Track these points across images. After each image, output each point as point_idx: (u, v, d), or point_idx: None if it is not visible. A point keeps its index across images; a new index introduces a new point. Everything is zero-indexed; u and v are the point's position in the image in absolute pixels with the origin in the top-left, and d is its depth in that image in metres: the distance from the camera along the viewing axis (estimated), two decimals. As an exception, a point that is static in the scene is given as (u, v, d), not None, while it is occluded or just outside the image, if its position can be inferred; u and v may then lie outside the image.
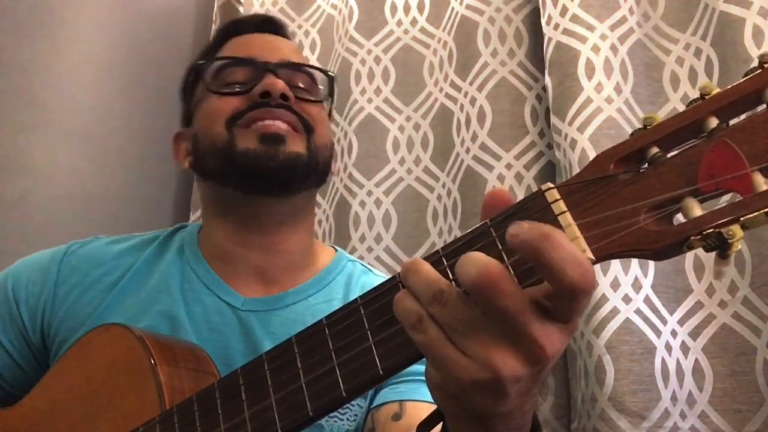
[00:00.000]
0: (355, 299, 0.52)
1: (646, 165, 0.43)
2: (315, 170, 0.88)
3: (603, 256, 0.42)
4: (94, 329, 0.79)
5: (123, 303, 0.86)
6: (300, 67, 0.92)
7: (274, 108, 0.84)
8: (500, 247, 0.45)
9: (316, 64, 1.04)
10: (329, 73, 0.95)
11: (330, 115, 0.97)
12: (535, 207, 0.45)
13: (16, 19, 1.27)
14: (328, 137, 0.93)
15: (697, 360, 1.07)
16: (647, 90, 1.22)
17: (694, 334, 1.09)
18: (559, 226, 0.43)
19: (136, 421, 0.67)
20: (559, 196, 0.44)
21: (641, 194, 0.42)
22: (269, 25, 0.99)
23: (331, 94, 0.96)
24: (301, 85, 0.91)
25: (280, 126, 0.84)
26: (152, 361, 0.71)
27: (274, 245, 0.90)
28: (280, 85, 0.85)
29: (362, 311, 0.51)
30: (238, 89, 0.87)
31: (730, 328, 1.06)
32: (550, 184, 0.45)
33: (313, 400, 0.52)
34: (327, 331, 0.53)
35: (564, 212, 0.44)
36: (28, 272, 0.90)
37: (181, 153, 0.95)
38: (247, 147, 0.83)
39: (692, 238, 0.39)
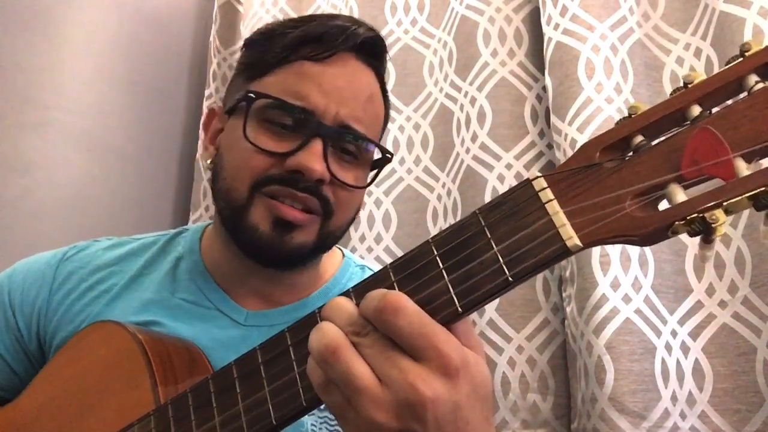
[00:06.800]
0: (347, 290, 0.52)
1: (631, 153, 0.44)
2: (322, 250, 0.84)
3: (590, 242, 0.43)
4: (87, 327, 0.79)
5: (114, 311, 0.84)
6: (357, 139, 0.79)
7: (300, 191, 0.76)
8: (489, 235, 0.46)
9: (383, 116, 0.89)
10: (387, 154, 0.85)
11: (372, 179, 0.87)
12: (523, 196, 0.46)
13: (16, 18, 1.28)
14: (349, 215, 0.84)
15: (697, 360, 1.07)
16: (647, 90, 1.21)
17: (694, 334, 1.08)
18: (546, 213, 0.44)
19: (131, 417, 0.67)
20: (546, 185, 0.45)
21: (627, 181, 0.42)
22: (360, 49, 0.83)
23: (378, 168, 0.87)
24: (350, 151, 0.80)
25: (297, 216, 0.76)
26: (147, 358, 0.71)
27: (280, 279, 0.86)
28: (318, 170, 0.74)
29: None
30: (274, 150, 0.76)
31: (730, 328, 1.05)
32: (538, 173, 0.46)
33: (306, 391, 0.52)
34: (319, 321, 0.53)
35: (551, 200, 0.44)
36: (24, 277, 0.88)
37: (211, 135, 0.88)
38: (256, 224, 0.76)
39: (677, 223, 0.40)
